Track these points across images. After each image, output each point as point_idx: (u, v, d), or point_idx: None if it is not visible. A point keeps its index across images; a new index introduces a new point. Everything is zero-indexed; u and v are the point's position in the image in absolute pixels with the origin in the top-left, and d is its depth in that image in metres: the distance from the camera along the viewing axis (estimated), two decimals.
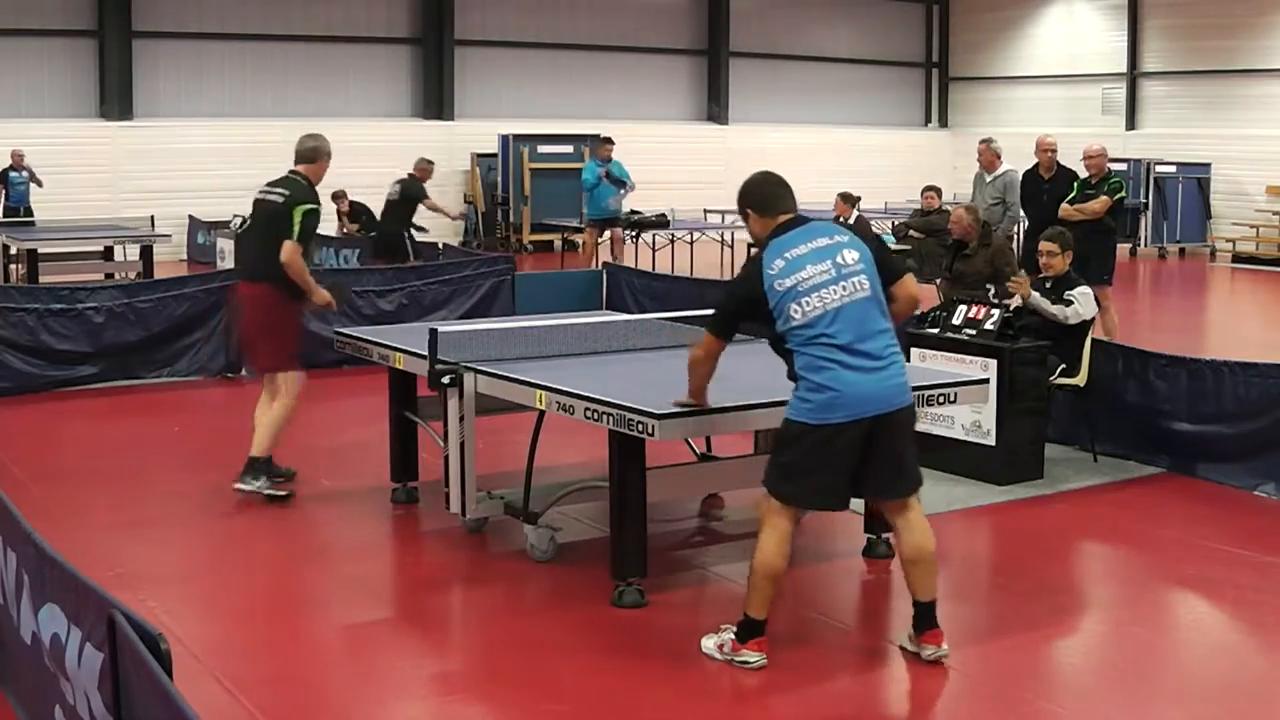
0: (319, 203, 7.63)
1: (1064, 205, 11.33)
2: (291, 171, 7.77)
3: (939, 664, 5.11)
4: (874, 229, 16.03)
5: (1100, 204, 11.01)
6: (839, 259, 4.95)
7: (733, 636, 5.11)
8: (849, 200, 15.43)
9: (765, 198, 5.15)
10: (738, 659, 5.07)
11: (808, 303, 4.87)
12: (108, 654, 3.41)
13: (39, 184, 18.49)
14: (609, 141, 17.66)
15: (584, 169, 18.05)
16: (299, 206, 7.40)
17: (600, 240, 18.19)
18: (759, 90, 26.75)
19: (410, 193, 15.13)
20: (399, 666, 5.22)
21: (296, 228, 7.32)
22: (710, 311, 5.31)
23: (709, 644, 5.20)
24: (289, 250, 7.25)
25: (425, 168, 15.49)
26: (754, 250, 5.23)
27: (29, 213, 18.07)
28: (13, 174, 18.35)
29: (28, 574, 4.22)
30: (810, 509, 5.41)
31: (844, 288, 4.91)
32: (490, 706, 4.97)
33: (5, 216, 17.83)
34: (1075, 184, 11.37)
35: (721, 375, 6.48)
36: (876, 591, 6.26)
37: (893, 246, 14.47)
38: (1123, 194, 11.26)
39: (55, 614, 3.88)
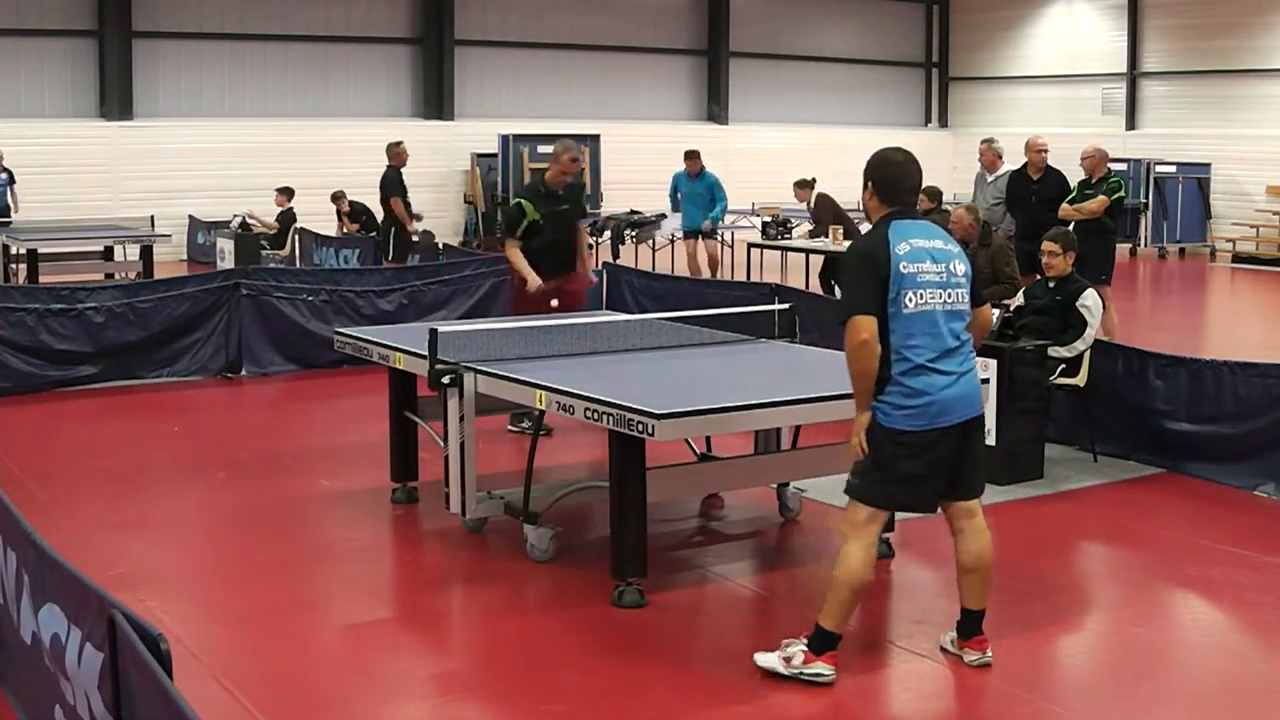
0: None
1: (1064, 205, 11.35)
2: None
3: (942, 667, 5.10)
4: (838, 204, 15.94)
5: (1097, 203, 11.03)
6: (951, 267, 4.92)
7: (804, 649, 4.96)
8: (805, 185, 15.53)
9: (891, 183, 5.03)
10: (808, 672, 4.92)
11: (921, 295, 4.81)
12: (108, 654, 3.41)
13: (13, 188, 18.24)
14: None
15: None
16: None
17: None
18: (759, 90, 26.75)
19: (382, 186, 14.89)
20: (399, 666, 5.22)
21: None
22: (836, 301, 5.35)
23: (769, 660, 5.02)
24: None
25: (398, 152, 15.11)
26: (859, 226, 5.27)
27: (5, 213, 17.76)
28: None
29: (28, 574, 4.22)
30: (903, 511, 5.38)
31: (948, 295, 4.88)
32: (490, 706, 4.97)
33: None
34: (1076, 184, 11.40)
35: (722, 375, 6.50)
36: (877, 591, 6.25)
37: None
38: (1121, 194, 11.28)
39: (55, 614, 3.88)
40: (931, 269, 4.85)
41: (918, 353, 4.79)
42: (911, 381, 4.78)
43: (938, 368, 4.80)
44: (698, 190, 16.42)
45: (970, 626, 5.17)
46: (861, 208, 5.17)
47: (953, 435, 4.87)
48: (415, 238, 15.58)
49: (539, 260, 8.86)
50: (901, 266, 4.79)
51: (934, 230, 5.02)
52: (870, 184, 5.06)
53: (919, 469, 4.86)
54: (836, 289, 14.13)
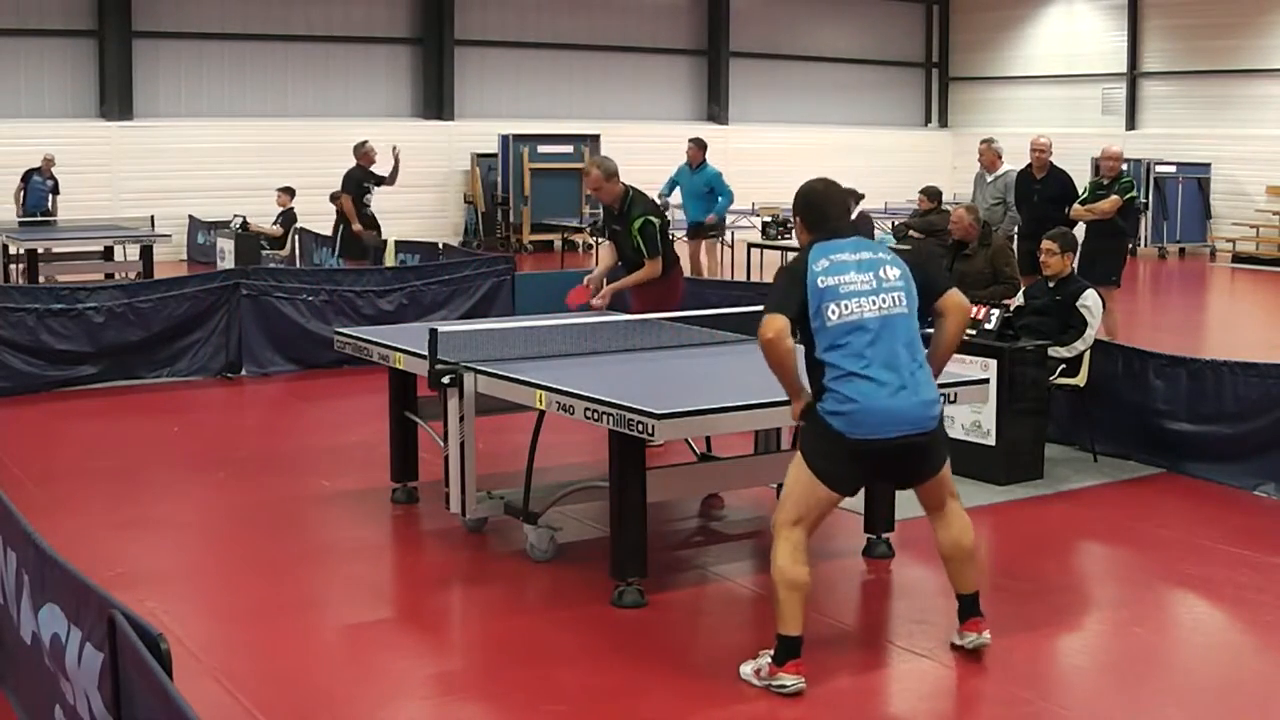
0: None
1: (1075, 206, 11.35)
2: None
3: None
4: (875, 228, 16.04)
5: (1110, 204, 11.02)
6: (881, 273, 4.93)
7: (769, 660, 4.93)
8: (852, 197, 15.39)
9: (817, 214, 5.13)
10: (775, 684, 4.89)
11: (845, 306, 4.84)
12: (108, 654, 3.41)
13: (56, 194, 18.43)
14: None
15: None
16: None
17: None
18: (759, 90, 26.75)
19: (344, 185, 14.82)
20: (399, 666, 5.22)
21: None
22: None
23: (746, 670, 5.01)
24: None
25: (364, 152, 14.91)
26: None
27: (45, 214, 18.07)
28: (36, 178, 18.38)
29: (28, 574, 4.22)
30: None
31: (883, 300, 4.89)
32: (490, 706, 4.97)
33: (24, 218, 17.87)
34: (1089, 185, 11.41)
35: (722, 375, 6.50)
36: (876, 591, 6.26)
37: (892, 247, 14.53)
38: (1134, 194, 11.26)
39: (55, 614, 3.88)
40: (857, 279, 4.87)
41: (847, 361, 4.81)
42: (843, 388, 4.81)
43: (870, 375, 4.80)
44: (697, 185, 16.09)
45: (965, 610, 5.22)
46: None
47: (888, 453, 4.86)
48: (378, 239, 15.41)
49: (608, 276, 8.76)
50: (819, 281, 4.85)
51: (862, 243, 5.04)
52: (799, 219, 5.18)
53: (834, 466, 4.90)
54: None
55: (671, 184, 16.52)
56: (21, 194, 18.32)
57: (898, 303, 4.92)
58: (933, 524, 5.22)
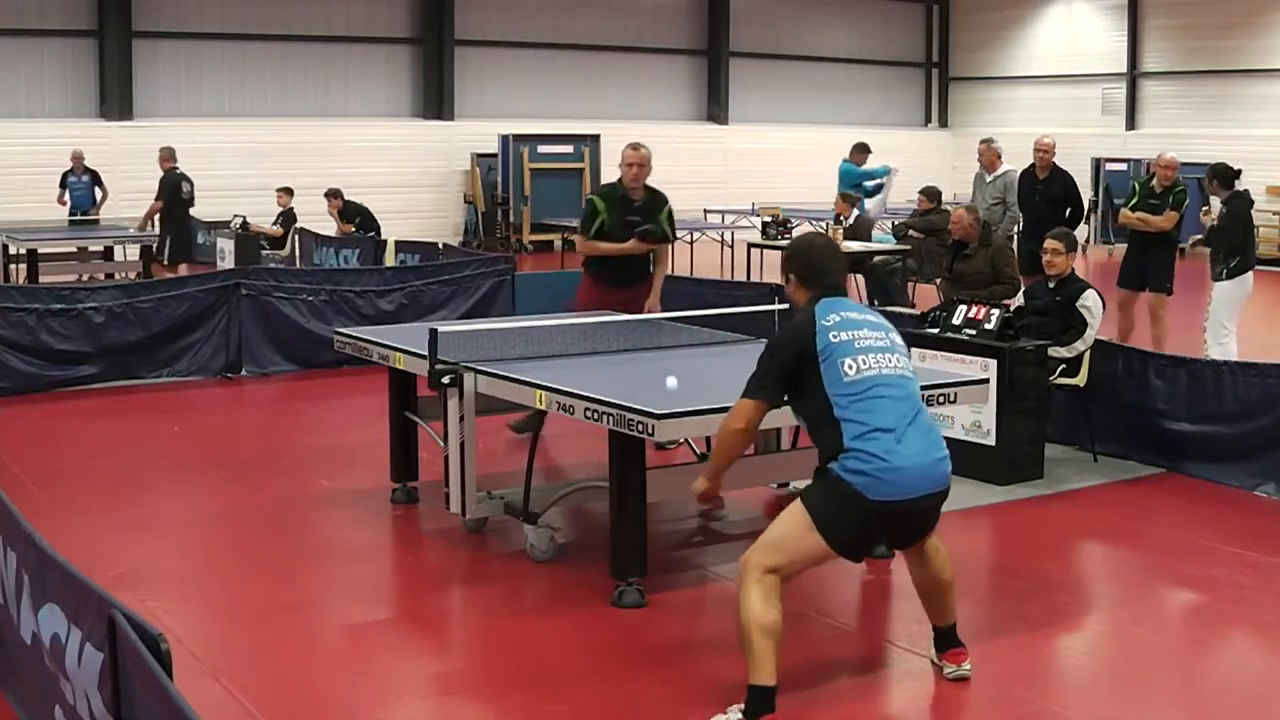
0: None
1: (1124, 211, 11.30)
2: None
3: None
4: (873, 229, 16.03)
5: (1167, 220, 10.91)
6: (891, 337, 4.72)
7: (740, 715, 4.53)
8: (849, 200, 15.41)
9: (815, 270, 4.84)
10: None
11: (863, 360, 4.56)
12: (108, 654, 3.41)
13: (103, 189, 18.44)
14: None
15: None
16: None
17: None
18: (759, 90, 26.76)
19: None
20: (399, 666, 5.22)
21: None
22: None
23: None
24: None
25: (163, 157, 15.02)
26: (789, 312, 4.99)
27: (86, 211, 18.13)
28: (71, 178, 18.44)
29: (28, 574, 4.22)
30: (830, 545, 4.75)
31: (898, 360, 4.66)
32: (490, 706, 4.97)
33: (71, 218, 18.00)
34: (1139, 190, 11.29)
35: (722, 375, 6.49)
36: (876, 591, 6.25)
37: (892, 246, 14.54)
38: (1187, 203, 11.10)
39: (55, 614, 3.88)
40: (872, 335, 4.64)
41: (872, 417, 4.50)
42: (868, 445, 4.48)
43: (895, 432, 4.51)
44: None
45: (944, 641, 5.05)
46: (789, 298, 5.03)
47: (906, 514, 4.60)
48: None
49: (602, 270, 8.49)
50: (831, 336, 4.58)
51: (864, 309, 4.88)
52: (792, 275, 4.88)
53: (854, 533, 4.60)
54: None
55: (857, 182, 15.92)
56: (66, 196, 18.40)
57: (906, 367, 4.72)
58: (909, 561, 4.98)
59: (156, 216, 14.83)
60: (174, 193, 14.71)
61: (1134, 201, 11.19)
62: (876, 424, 4.49)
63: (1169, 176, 11.08)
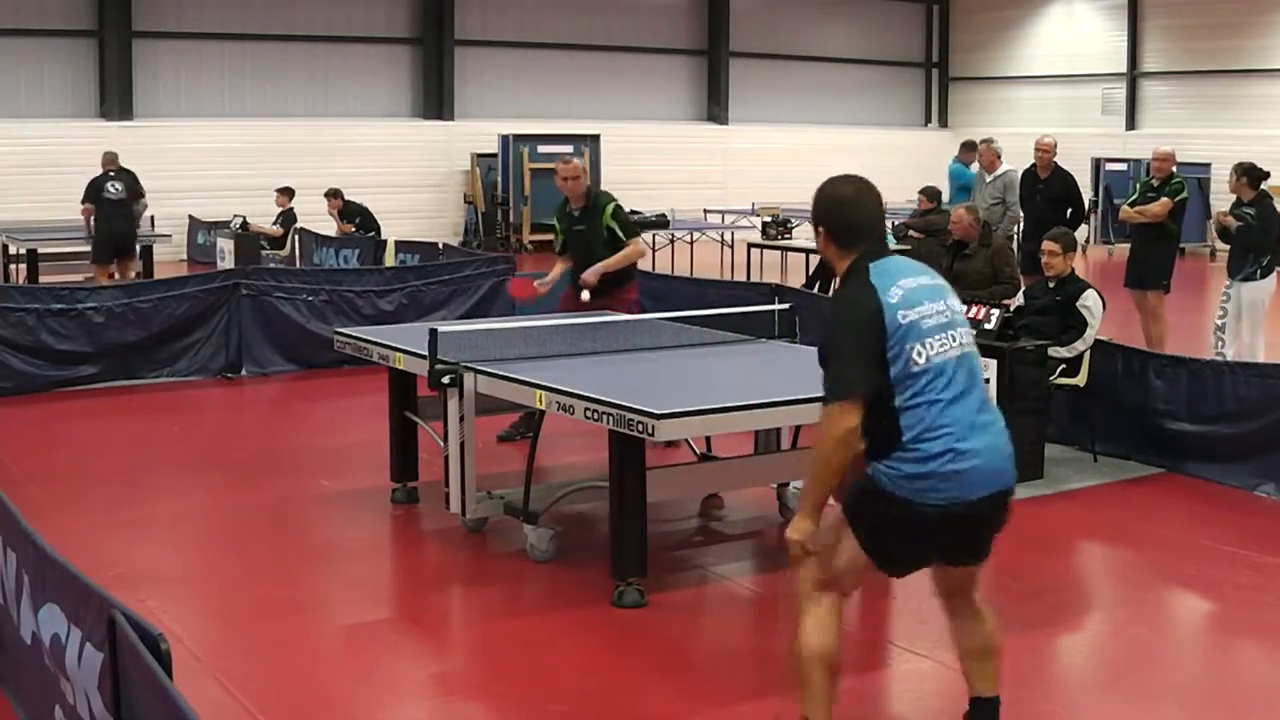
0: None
1: (1124, 208, 11.28)
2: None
3: (942, 667, 5.09)
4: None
5: (1160, 206, 10.79)
6: (949, 303, 4.04)
7: None
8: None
9: (853, 226, 4.06)
10: None
11: (931, 345, 3.90)
12: (108, 654, 3.41)
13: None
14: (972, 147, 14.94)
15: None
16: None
17: None
18: (759, 90, 26.76)
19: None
20: (399, 666, 5.22)
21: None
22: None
23: None
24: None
25: (102, 160, 15.15)
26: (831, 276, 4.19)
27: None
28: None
29: (28, 574, 4.22)
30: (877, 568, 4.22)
31: (962, 336, 4.01)
32: (490, 706, 4.97)
33: None
34: (1139, 186, 11.29)
35: (722, 375, 6.50)
36: (876, 591, 6.24)
37: (892, 246, 14.52)
38: (1184, 196, 11.01)
39: (55, 614, 3.88)
40: (933, 310, 3.96)
41: (932, 412, 3.88)
42: (928, 444, 3.87)
43: (957, 427, 3.90)
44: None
45: (983, 716, 4.35)
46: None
47: (968, 518, 3.98)
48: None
49: (572, 281, 8.76)
50: (900, 316, 3.89)
51: (914, 265, 4.16)
52: (823, 229, 4.10)
53: (906, 545, 4.05)
54: (819, 287, 14.12)
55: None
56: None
57: (969, 341, 4.05)
58: (954, 618, 4.34)
59: (91, 219, 14.90)
60: (96, 195, 14.72)
61: (1134, 198, 11.19)
62: (942, 420, 3.88)
63: (1164, 169, 11.06)
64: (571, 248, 8.76)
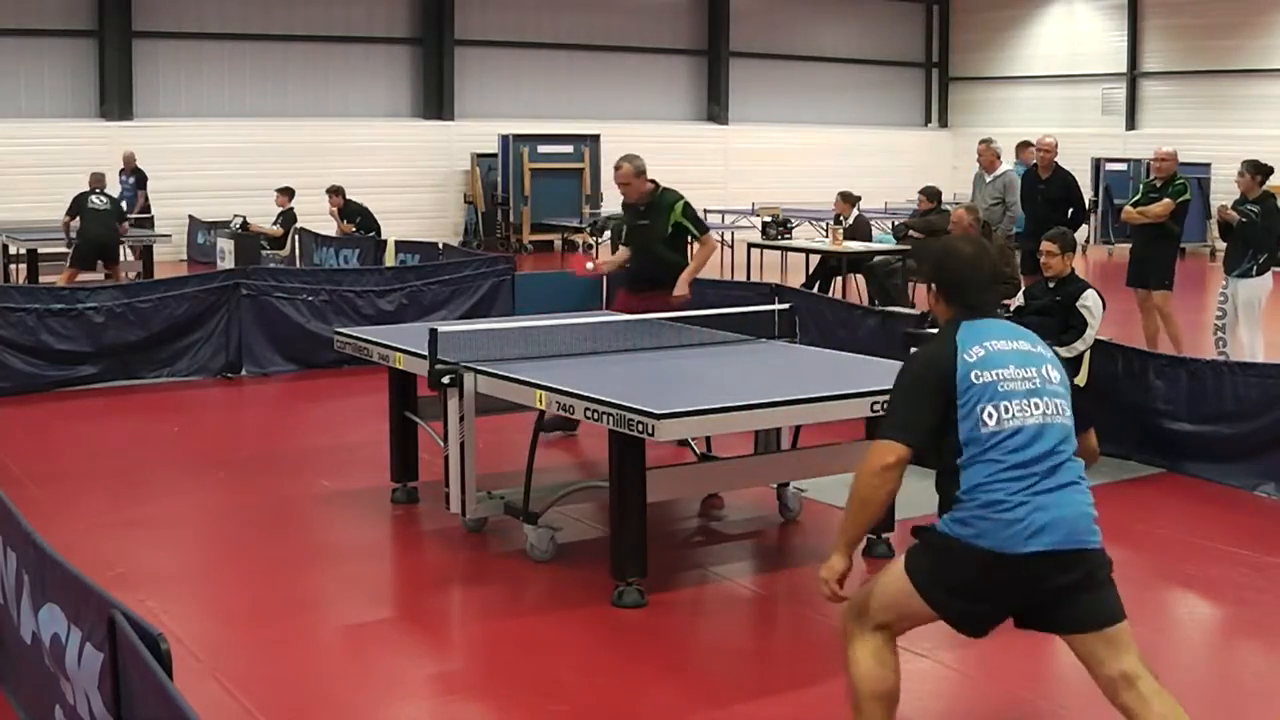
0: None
1: (1126, 208, 11.26)
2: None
3: (942, 667, 5.08)
4: (873, 229, 16.05)
5: (1162, 207, 10.75)
6: (1044, 372, 3.91)
7: None
8: (849, 199, 15.43)
9: (964, 283, 4.04)
10: None
11: (1006, 409, 3.80)
12: (108, 654, 3.41)
13: (143, 189, 18.51)
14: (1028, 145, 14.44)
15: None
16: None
17: None
18: (759, 90, 26.76)
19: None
20: (399, 666, 5.22)
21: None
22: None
23: None
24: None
25: (95, 178, 15.35)
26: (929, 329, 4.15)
27: (140, 213, 18.28)
28: (121, 179, 18.50)
29: (28, 574, 4.22)
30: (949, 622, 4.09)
31: (1047, 405, 3.86)
32: (490, 706, 4.97)
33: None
34: (1142, 187, 11.26)
35: (722, 375, 6.50)
36: None
37: (892, 246, 14.55)
38: (1187, 197, 10.96)
39: (55, 614, 3.88)
40: (1020, 375, 3.86)
41: (999, 468, 3.78)
42: (984, 494, 3.78)
43: (1038, 482, 3.78)
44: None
45: None
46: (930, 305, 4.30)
47: (1041, 575, 3.79)
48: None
49: (622, 277, 8.95)
50: (974, 375, 3.83)
51: (1018, 330, 4.04)
52: (934, 286, 4.12)
53: (964, 596, 3.90)
54: (819, 287, 14.13)
55: None
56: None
57: (1061, 411, 3.90)
58: (1126, 709, 3.88)
59: (70, 230, 14.97)
60: (80, 209, 14.72)
61: (1136, 199, 11.17)
62: (1000, 477, 3.77)
63: (1167, 169, 11.02)
64: (630, 241, 8.80)
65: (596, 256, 8.97)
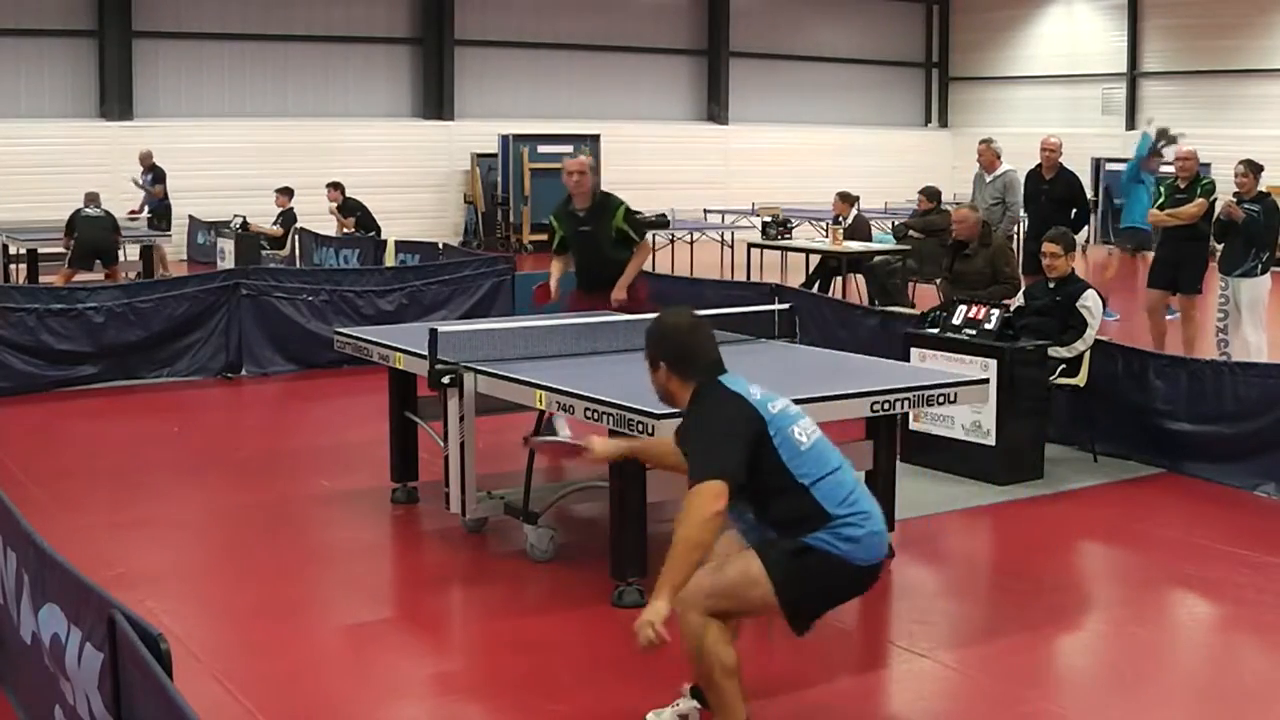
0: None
1: (1152, 211, 11.12)
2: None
3: (942, 666, 5.09)
4: (873, 229, 16.06)
5: (1196, 207, 10.60)
6: (791, 401, 4.33)
7: None
8: (848, 199, 15.44)
9: (693, 353, 4.30)
10: None
11: (801, 429, 4.17)
12: (108, 654, 3.41)
13: (162, 186, 18.55)
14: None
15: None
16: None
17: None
18: (759, 90, 26.76)
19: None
20: (399, 666, 5.22)
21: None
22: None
23: None
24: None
25: (89, 196, 15.39)
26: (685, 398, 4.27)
27: (153, 214, 18.35)
28: (140, 178, 18.57)
29: (28, 574, 4.22)
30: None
31: (812, 423, 4.27)
32: (490, 706, 4.97)
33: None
34: (1164, 189, 11.09)
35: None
36: (876, 591, 6.23)
37: (892, 246, 14.55)
38: (1216, 196, 10.83)
39: (55, 614, 3.88)
40: (785, 403, 4.25)
41: (838, 483, 4.15)
42: (854, 509, 4.13)
43: (860, 494, 4.21)
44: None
45: None
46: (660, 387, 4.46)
47: (877, 573, 4.28)
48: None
49: (577, 278, 8.72)
50: (770, 407, 4.16)
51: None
52: (664, 364, 4.33)
53: (825, 605, 4.28)
54: (819, 287, 14.13)
55: None
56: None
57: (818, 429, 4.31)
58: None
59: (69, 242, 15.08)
60: (73, 224, 14.72)
61: (1161, 201, 10.99)
62: (848, 489, 4.15)
63: (1190, 168, 10.89)
64: (575, 248, 8.64)
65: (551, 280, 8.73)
